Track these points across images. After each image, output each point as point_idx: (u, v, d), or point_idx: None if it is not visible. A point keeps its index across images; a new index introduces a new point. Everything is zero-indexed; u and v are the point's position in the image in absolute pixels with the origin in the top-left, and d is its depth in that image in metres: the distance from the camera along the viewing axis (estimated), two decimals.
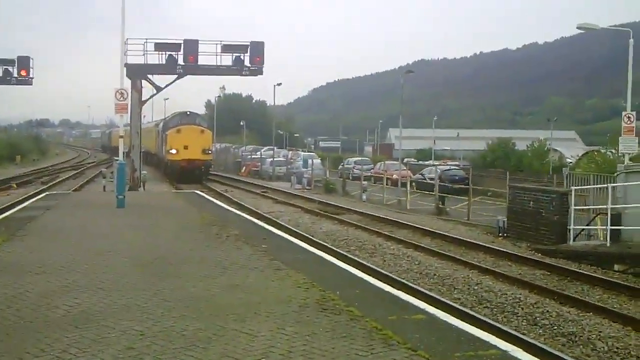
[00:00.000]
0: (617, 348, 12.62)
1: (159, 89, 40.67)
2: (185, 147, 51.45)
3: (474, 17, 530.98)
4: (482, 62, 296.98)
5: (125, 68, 32.93)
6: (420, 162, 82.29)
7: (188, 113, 56.57)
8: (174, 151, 51.55)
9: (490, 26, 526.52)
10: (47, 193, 33.04)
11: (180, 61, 38.81)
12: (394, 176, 48.82)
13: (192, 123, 54.36)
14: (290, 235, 18.85)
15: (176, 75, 39.51)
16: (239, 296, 10.12)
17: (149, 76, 39.80)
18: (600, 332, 13.60)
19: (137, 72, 38.32)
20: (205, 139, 53.70)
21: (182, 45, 38.70)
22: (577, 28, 31.01)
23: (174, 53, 38.81)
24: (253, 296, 10.12)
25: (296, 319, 8.81)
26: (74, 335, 8.03)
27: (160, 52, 38.90)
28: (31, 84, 44.46)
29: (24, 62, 43.46)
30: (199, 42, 39.05)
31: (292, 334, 8.14)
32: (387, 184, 45.81)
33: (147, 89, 41.18)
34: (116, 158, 29.65)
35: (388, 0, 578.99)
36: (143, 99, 40.46)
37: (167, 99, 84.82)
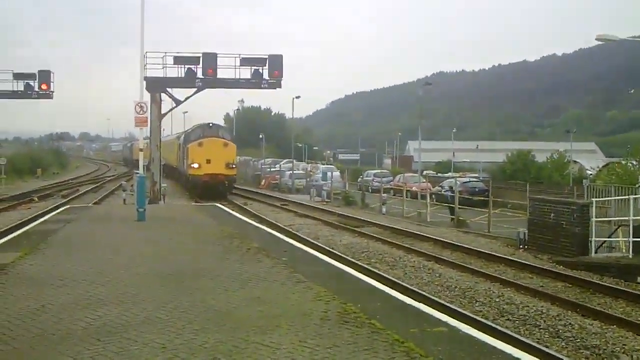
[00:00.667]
0: None
1: (178, 102, 40.89)
2: (208, 161, 47.69)
3: (492, 29, 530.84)
4: (500, 74, 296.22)
5: (144, 81, 33.12)
6: (440, 174, 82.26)
7: (210, 125, 52.37)
8: (195, 165, 47.86)
9: (509, 38, 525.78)
10: (67, 206, 33.20)
11: (199, 74, 39.00)
12: (414, 188, 48.72)
13: (215, 135, 50.67)
14: (311, 247, 18.84)
15: (195, 89, 39.68)
16: (260, 309, 10.11)
17: (168, 89, 39.99)
18: (625, 345, 13.49)
19: (156, 86, 38.52)
20: (228, 153, 49.70)
21: (201, 58, 38.88)
22: (596, 39, 30.90)
23: (193, 66, 39.01)
24: (274, 309, 10.11)
25: (317, 332, 8.78)
26: (96, 348, 8.04)
27: (179, 66, 39.10)
28: (52, 98, 44.94)
29: (44, 76, 43.90)
30: (218, 55, 39.21)
31: (314, 346, 8.12)
32: (406, 197, 45.71)
33: (166, 103, 41.47)
34: (136, 171, 29.75)
35: (405, 11, 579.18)
36: (162, 112, 40.65)
37: (186, 112, 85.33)
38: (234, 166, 50.22)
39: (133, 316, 9.64)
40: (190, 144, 49.81)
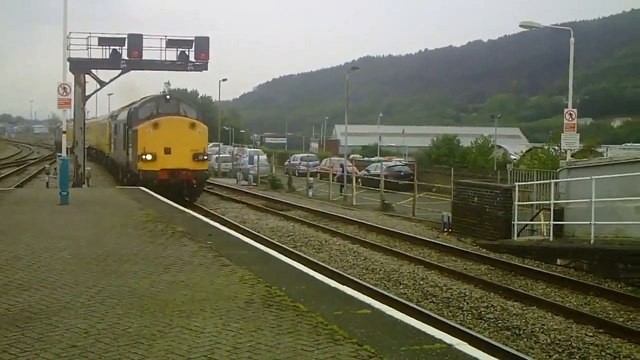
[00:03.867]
0: (560, 340, 12.84)
1: (103, 84, 40.22)
2: (167, 151, 33.49)
3: (419, 14, 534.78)
4: (427, 59, 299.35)
5: (68, 62, 32.51)
6: (366, 158, 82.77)
7: (168, 97, 36.84)
8: (148, 157, 33.07)
9: (436, 23, 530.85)
10: None
11: (125, 56, 38.38)
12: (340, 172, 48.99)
13: (175, 112, 35.67)
14: (236, 231, 18.77)
15: (120, 70, 39.08)
16: (184, 293, 10.04)
17: (93, 71, 39.32)
18: (544, 325, 13.83)
19: (80, 67, 37.84)
20: (197, 138, 34.51)
21: (126, 39, 38.28)
22: (520, 26, 31.50)
23: (118, 48, 38.36)
24: (198, 293, 10.05)
25: (242, 315, 8.76)
26: (14, 335, 7.86)
27: (104, 47, 38.41)
28: None
29: None
30: (144, 36, 38.65)
31: (238, 330, 8.10)
32: (333, 180, 45.89)
33: (91, 84, 40.75)
34: (59, 154, 29.22)
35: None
36: (87, 94, 39.96)
37: (111, 94, 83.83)
38: (205, 157, 35.06)
39: (54, 301, 9.47)
40: (140, 126, 34.28)
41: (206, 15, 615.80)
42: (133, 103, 40.62)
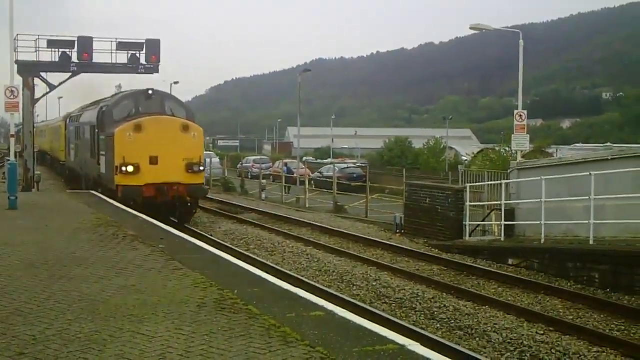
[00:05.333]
0: (511, 339, 12.98)
1: (52, 87, 39.70)
2: (153, 161, 26.31)
3: (370, 17, 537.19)
4: (379, 61, 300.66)
5: (15, 65, 32.05)
6: (319, 160, 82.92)
7: (151, 92, 28.79)
8: (128, 168, 25.87)
9: (387, 25, 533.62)
10: None
11: (74, 58, 37.94)
12: (293, 174, 48.99)
13: (160, 112, 28.18)
14: (188, 234, 18.67)
15: (70, 73, 38.62)
16: (136, 297, 9.96)
17: (42, 74, 38.80)
18: (495, 324, 13.96)
19: (28, 69, 37.25)
20: (192, 143, 27.31)
21: (76, 42, 37.85)
22: (470, 28, 31.85)
23: (68, 50, 37.90)
24: (150, 297, 9.98)
25: (194, 319, 8.72)
26: None
27: (53, 49, 37.92)
28: None
29: None
30: (94, 39, 38.25)
31: (190, 333, 8.06)
32: (285, 182, 45.87)
33: (41, 87, 40.23)
34: (7, 158, 28.82)
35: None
36: (36, 97, 39.44)
37: (61, 97, 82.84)
38: (201, 168, 27.47)
39: (1, 308, 9.31)
40: (117, 129, 26.69)
41: (156, 17, 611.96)
42: (101, 100, 33.18)
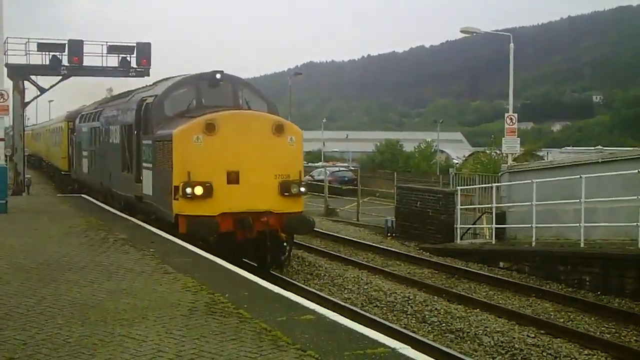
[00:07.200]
0: (502, 342, 12.98)
1: (43, 90, 39.60)
2: (232, 178, 17.35)
3: (361, 20, 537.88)
4: (370, 65, 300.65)
5: (5, 68, 31.94)
6: (310, 163, 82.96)
7: (218, 76, 19.69)
8: (196, 190, 16.78)
9: (378, 29, 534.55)
10: None
11: (65, 62, 37.86)
12: None
13: (234, 105, 19.62)
14: (179, 238, 18.61)
15: (61, 76, 38.53)
16: (126, 301, 9.93)
17: (32, 77, 38.72)
18: (487, 327, 13.97)
19: (19, 73, 37.15)
20: (288, 152, 18.06)
21: (67, 45, 37.76)
22: (461, 31, 31.94)
23: (59, 53, 37.81)
24: (140, 301, 9.95)
25: (185, 323, 8.69)
26: None
27: (43, 53, 37.84)
28: None
29: None
30: (84, 42, 38.17)
31: (181, 337, 8.03)
32: None
33: (31, 91, 40.14)
34: None
35: (276, 2, 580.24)
36: (26, 100, 39.36)
37: (51, 100, 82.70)
38: (302, 190, 18.04)
39: None
40: (178, 130, 17.61)
41: (147, 21, 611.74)
42: (133, 91, 24.93)
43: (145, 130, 20.15)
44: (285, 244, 18.34)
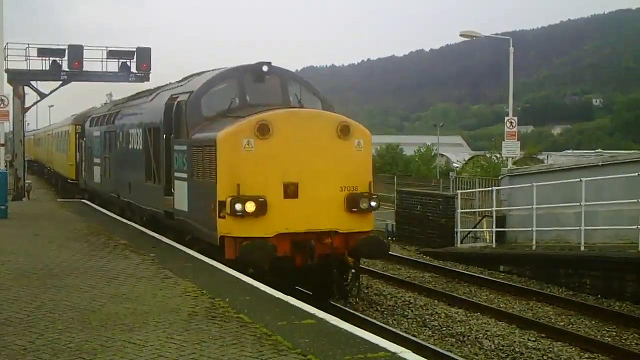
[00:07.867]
0: (503, 346, 12.98)
1: (43, 96, 39.62)
2: (290, 192, 14.18)
3: (361, 24, 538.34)
4: (370, 69, 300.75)
5: (5, 74, 31.97)
6: None
7: (265, 68, 16.25)
8: (248, 206, 13.63)
9: (378, 33, 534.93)
10: None
11: (65, 67, 37.88)
12: None
13: (284, 102, 16.41)
14: (179, 243, 18.60)
15: (61, 82, 38.55)
16: (127, 306, 9.92)
17: (33, 82, 38.74)
18: (487, 331, 13.97)
19: (19, 78, 37.17)
20: (355, 158, 14.86)
21: (67, 50, 37.79)
22: (461, 35, 31.92)
23: (59, 59, 37.83)
24: (141, 306, 9.94)
25: (185, 328, 8.69)
26: None
27: (44, 58, 37.85)
28: None
29: None
30: (84, 47, 38.21)
31: (181, 342, 8.03)
32: None
33: (31, 96, 40.18)
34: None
35: (274, 6, 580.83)
36: (26, 105, 39.37)
37: (51, 106, 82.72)
38: (373, 204, 14.71)
39: None
40: (224, 133, 14.31)
41: (146, 26, 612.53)
42: (161, 87, 21.71)
43: (178, 133, 16.82)
44: (353, 270, 15.28)
